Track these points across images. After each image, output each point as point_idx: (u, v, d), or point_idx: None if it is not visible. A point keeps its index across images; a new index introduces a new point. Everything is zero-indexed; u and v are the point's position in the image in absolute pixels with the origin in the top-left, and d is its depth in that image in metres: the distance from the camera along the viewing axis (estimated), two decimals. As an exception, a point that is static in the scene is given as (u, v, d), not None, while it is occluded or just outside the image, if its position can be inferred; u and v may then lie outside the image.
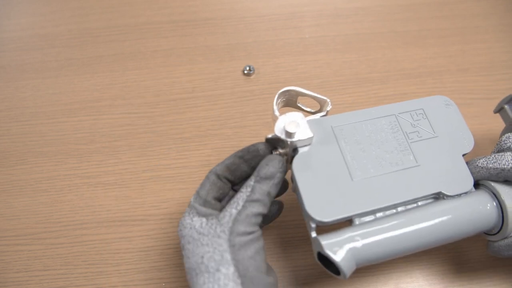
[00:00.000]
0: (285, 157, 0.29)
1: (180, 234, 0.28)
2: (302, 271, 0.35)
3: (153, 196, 0.38)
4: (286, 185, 0.32)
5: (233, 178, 0.30)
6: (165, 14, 0.50)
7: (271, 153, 0.29)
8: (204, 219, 0.27)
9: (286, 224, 0.37)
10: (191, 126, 0.42)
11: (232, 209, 0.27)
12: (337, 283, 0.34)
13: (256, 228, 0.27)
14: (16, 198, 0.38)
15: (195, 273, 0.26)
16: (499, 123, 0.42)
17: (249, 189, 0.27)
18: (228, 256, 0.25)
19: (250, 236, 0.26)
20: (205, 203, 0.28)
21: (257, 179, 0.27)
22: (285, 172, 0.29)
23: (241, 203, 0.27)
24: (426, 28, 0.49)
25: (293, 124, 0.27)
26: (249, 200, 0.27)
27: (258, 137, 0.41)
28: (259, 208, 0.27)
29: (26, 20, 0.50)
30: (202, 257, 0.26)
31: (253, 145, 0.29)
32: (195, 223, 0.27)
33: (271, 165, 0.27)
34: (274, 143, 0.29)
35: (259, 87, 0.45)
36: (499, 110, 0.35)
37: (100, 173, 0.39)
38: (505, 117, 0.34)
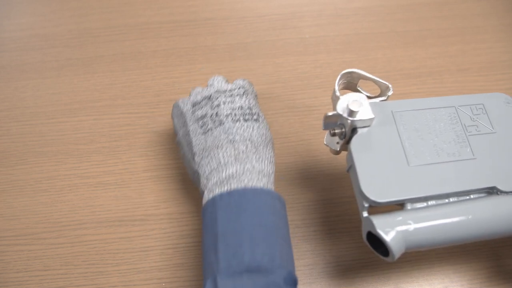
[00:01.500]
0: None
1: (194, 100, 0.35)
2: (302, 271, 0.35)
3: (153, 196, 0.38)
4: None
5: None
6: (165, 14, 0.50)
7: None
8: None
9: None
10: (191, 126, 0.42)
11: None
12: (337, 283, 0.34)
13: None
14: (16, 198, 0.38)
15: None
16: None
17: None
18: None
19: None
20: None
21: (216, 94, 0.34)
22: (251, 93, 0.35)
23: None
24: (426, 28, 0.49)
25: (356, 103, 0.28)
26: None
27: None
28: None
29: (26, 20, 0.50)
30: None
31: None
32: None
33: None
34: (331, 123, 0.30)
35: (259, 87, 0.45)
36: None
37: (100, 173, 0.39)
38: None
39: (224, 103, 0.33)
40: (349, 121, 0.28)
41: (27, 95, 0.44)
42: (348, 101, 0.28)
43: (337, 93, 0.30)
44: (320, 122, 0.41)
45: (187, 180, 0.39)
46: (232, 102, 0.33)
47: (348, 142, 0.29)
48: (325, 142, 0.32)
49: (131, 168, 0.40)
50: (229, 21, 0.50)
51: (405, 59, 0.47)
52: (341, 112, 0.28)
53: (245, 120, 0.32)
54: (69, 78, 0.46)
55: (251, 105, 0.33)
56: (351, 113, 0.28)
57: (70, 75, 0.46)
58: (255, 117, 0.33)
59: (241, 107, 0.33)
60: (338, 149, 0.31)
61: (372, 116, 0.28)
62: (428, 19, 0.50)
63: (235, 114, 0.32)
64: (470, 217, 0.26)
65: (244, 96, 0.34)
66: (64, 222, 0.37)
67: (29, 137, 0.42)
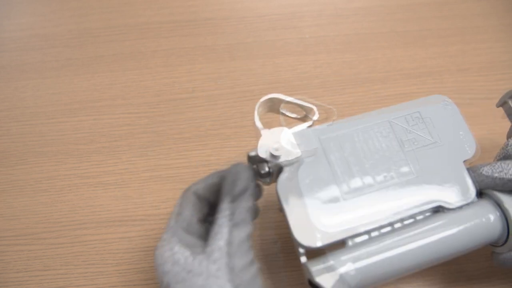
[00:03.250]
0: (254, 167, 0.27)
1: (162, 270, 0.23)
2: (301, 271, 0.35)
3: (153, 196, 0.38)
4: (260, 189, 0.29)
5: (214, 199, 0.26)
6: (165, 14, 0.50)
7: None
8: (188, 253, 0.23)
9: (285, 224, 0.37)
10: (191, 126, 0.42)
11: (218, 242, 0.23)
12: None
13: (252, 251, 0.24)
14: (16, 198, 0.38)
15: None
16: (499, 123, 0.42)
17: (227, 212, 0.24)
18: None
19: (253, 269, 0.23)
20: (189, 227, 0.25)
21: (232, 198, 0.24)
22: (255, 175, 0.26)
23: (225, 231, 0.23)
24: (426, 28, 0.49)
25: (277, 145, 0.25)
26: (234, 225, 0.23)
27: (258, 137, 0.41)
28: (246, 230, 0.24)
29: (26, 20, 0.50)
30: None
31: (234, 166, 0.26)
32: (179, 257, 0.23)
33: (241, 178, 0.24)
34: (257, 161, 0.27)
35: (259, 87, 0.45)
36: (502, 104, 0.32)
37: (100, 173, 0.39)
38: (508, 111, 0.32)
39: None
40: (273, 163, 0.26)
41: (27, 95, 0.44)
42: (269, 143, 0.25)
43: (258, 125, 0.27)
44: (320, 123, 0.41)
45: (187, 180, 0.39)
46: None
47: (276, 178, 0.26)
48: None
49: (131, 168, 0.40)
50: (229, 21, 0.50)
51: (405, 59, 0.47)
52: (263, 156, 0.25)
53: None
54: (69, 78, 0.46)
55: None
56: (274, 156, 0.25)
57: (70, 75, 0.46)
58: None
59: None
60: (268, 182, 0.28)
61: (298, 154, 0.26)
62: (428, 19, 0.50)
63: None
64: (415, 244, 0.24)
65: None
66: (64, 222, 0.37)
67: (29, 137, 0.42)
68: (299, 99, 0.29)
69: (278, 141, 0.26)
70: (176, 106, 0.43)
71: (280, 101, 0.29)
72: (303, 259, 0.25)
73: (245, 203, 0.24)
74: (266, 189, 0.30)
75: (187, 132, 0.42)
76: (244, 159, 0.28)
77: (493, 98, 0.43)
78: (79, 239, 0.36)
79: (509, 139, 0.28)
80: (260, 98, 0.44)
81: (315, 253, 0.25)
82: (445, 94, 0.44)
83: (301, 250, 0.25)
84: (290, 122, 0.29)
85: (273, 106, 0.30)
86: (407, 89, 0.44)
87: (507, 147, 0.27)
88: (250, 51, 0.47)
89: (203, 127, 0.42)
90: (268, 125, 0.28)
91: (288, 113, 0.30)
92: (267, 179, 0.28)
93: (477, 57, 0.47)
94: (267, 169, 0.27)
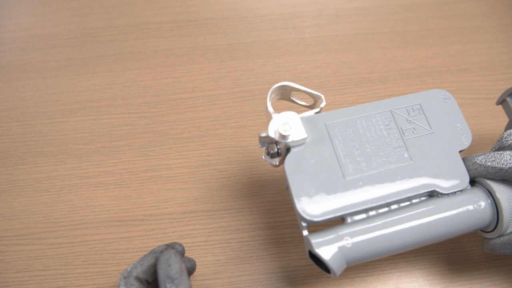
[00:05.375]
0: (179, 250, 0.29)
1: None
2: (301, 271, 0.35)
3: (153, 196, 0.38)
4: (194, 263, 0.32)
5: (152, 279, 0.28)
6: (165, 14, 0.50)
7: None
8: None
9: (286, 224, 0.37)
10: (191, 126, 0.42)
11: None
12: (336, 283, 0.34)
13: None
14: (16, 198, 0.38)
15: None
16: (499, 123, 0.42)
17: None
18: None
19: None
20: None
21: (169, 280, 0.25)
22: (183, 253, 0.29)
23: None
24: (426, 28, 0.49)
25: (286, 126, 0.27)
26: None
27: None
28: None
29: (26, 20, 0.50)
30: None
31: (163, 254, 0.27)
32: None
33: (173, 262, 0.26)
34: (266, 141, 0.29)
35: (259, 87, 0.45)
36: (501, 102, 0.34)
37: (100, 173, 0.39)
38: (507, 109, 0.33)
39: None
40: (282, 143, 0.28)
41: (27, 95, 0.44)
42: (278, 124, 0.27)
43: (270, 109, 0.29)
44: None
45: (187, 180, 0.39)
46: None
47: (284, 159, 0.28)
48: (263, 158, 0.31)
49: (131, 168, 0.40)
50: (229, 21, 0.50)
51: (405, 59, 0.47)
52: (272, 136, 0.27)
53: None
54: (69, 78, 0.46)
55: None
56: (282, 136, 0.27)
57: (70, 75, 0.46)
58: None
59: None
60: (277, 164, 0.31)
61: (304, 136, 0.27)
62: (428, 19, 0.50)
63: None
64: (408, 224, 0.26)
65: None
66: (64, 222, 0.37)
67: (29, 137, 0.42)
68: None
69: (287, 122, 0.27)
70: (176, 106, 0.43)
71: (291, 88, 0.31)
72: (305, 232, 0.27)
73: (184, 282, 0.26)
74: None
75: (187, 132, 0.42)
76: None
77: (493, 98, 0.44)
78: (79, 239, 0.36)
79: (505, 132, 0.29)
80: (260, 98, 0.44)
81: (316, 228, 0.27)
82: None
83: (303, 224, 0.27)
84: (301, 110, 0.30)
85: (285, 93, 0.32)
86: (407, 89, 0.44)
87: (502, 139, 0.29)
88: (250, 51, 0.47)
89: (203, 127, 0.42)
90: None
91: (298, 101, 0.32)
92: (276, 160, 0.30)
93: (477, 57, 0.47)
94: (276, 149, 0.29)
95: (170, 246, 0.29)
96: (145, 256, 0.28)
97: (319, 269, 0.34)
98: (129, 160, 0.40)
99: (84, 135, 0.42)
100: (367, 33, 0.49)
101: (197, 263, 0.35)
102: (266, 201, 0.38)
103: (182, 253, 0.29)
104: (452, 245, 0.36)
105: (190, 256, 0.35)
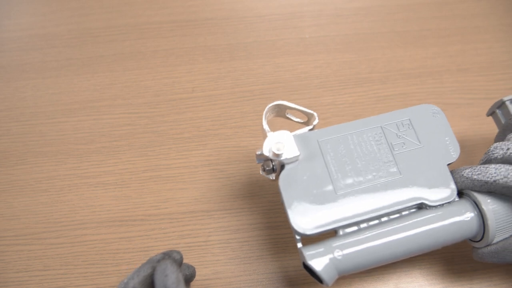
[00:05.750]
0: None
1: None
2: (301, 271, 0.35)
3: (153, 196, 0.38)
4: (193, 269, 0.32)
5: None
6: (165, 14, 0.50)
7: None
8: None
9: (286, 224, 0.37)
10: (191, 126, 0.42)
11: None
12: (336, 283, 0.34)
13: None
14: (16, 198, 0.38)
15: None
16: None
17: None
18: None
19: None
20: None
21: None
22: (181, 262, 0.29)
23: None
24: (426, 28, 0.49)
25: (279, 145, 0.29)
26: None
27: (258, 137, 0.41)
28: None
29: (26, 20, 0.50)
30: None
31: (160, 264, 0.27)
32: None
33: (170, 272, 0.26)
34: (262, 158, 0.31)
35: (259, 87, 0.45)
36: (491, 113, 0.35)
37: (100, 173, 0.39)
38: (497, 121, 0.35)
39: None
40: (276, 160, 0.29)
41: (27, 95, 0.44)
42: (272, 143, 0.29)
43: (265, 127, 0.31)
44: (320, 123, 0.41)
45: (187, 180, 0.39)
46: None
47: (279, 174, 0.30)
48: (261, 173, 0.33)
49: (131, 168, 0.40)
50: (229, 21, 0.50)
51: (405, 59, 0.47)
52: (267, 154, 0.29)
53: None
54: (69, 78, 0.46)
55: None
56: (276, 155, 0.29)
57: (70, 75, 0.46)
58: None
59: None
60: (273, 179, 0.33)
61: (297, 153, 0.29)
62: (428, 19, 0.50)
63: None
64: (398, 236, 0.27)
65: None
66: (64, 222, 0.37)
67: (29, 137, 0.42)
68: (301, 105, 0.32)
69: (280, 141, 0.29)
70: (176, 106, 0.43)
71: (286, 107, 0.32)
72: (299, 244, 0.28)
73: None
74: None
75: (187, 132, 0.42)
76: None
77: (493, 98, 0.44)
78: (79, 239, 0.36)
79: (491, 145, 0.30)
80: (260, 98, 0.44)
81: (310, 240, 0.28)
82: (445, 94, 0.44)
83: (298, 237, 0.28)
84: (296, 127, 0.32)
85: (280, 111, 0.33)
86: (407, 89, 0.44)
87: (489, 152, 0.29)
88: (250, 51, 0.47)
89: (203, 127, 0.42)
90: (274, 129, 0.31)
91: (293, 118, 0.33)
92: (272, 175, 0.33)
93: (477, 57, 0.47)
94: (271, 166, 0.31)
95: (167, 255, 0.29)
96: (141, 266, 0.28)
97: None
98: (129, 160, 0.40)
99: (84, 135, 0.42)
100: (367, 33, 0.49)
101: (197, 263, 0.35)
102: (266, 201, 0.38)
103: (179, 261, 0.29)
104: (452, 245, 0.36)
105: (190, 256, 0.35)
